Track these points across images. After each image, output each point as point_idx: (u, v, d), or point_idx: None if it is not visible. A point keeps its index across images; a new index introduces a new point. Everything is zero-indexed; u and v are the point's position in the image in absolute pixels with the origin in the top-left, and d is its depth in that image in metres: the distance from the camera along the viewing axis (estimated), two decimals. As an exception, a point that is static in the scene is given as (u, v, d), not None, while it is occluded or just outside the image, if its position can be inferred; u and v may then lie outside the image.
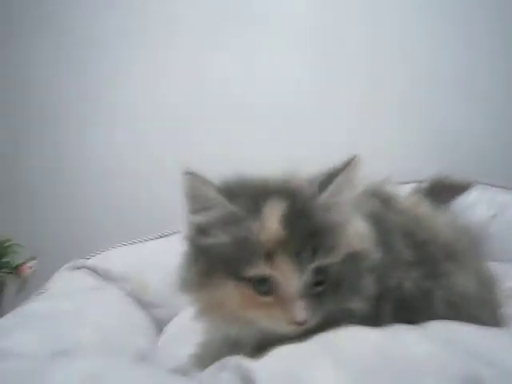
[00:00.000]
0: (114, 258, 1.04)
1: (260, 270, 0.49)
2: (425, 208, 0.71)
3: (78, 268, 0.98)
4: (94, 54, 1.51)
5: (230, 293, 0.51)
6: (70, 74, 1.52)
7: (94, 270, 0.98)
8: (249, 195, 0.53)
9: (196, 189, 0.52)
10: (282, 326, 0.50)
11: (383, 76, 1.48)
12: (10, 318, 0.68)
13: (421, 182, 1.12)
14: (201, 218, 0.53)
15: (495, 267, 1.01)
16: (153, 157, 1.42)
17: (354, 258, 0.54)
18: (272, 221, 0.50)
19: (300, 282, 0.50)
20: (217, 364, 0.50)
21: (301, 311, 0.49)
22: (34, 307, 0.73)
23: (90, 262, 1.00)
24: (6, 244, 1.26)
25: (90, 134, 1.52)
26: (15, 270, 1.26)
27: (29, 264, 1.26)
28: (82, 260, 1.00)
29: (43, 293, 0.85)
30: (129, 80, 1.51)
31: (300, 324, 0.49)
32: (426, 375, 0.42)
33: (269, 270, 0.49)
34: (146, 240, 1.12)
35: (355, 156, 0.53)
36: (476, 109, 1.46)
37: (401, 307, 0.56)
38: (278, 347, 0.49)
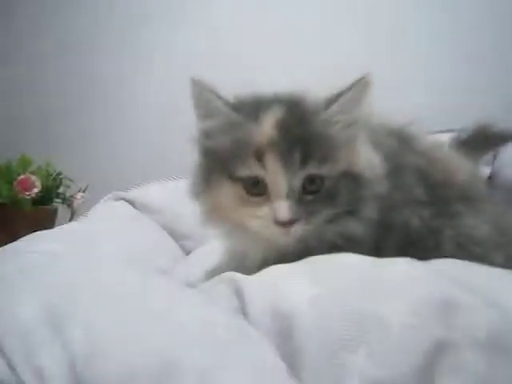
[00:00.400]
0: (151, 192, 1.12)
1: (250, 169, 0.52)
2: (445, 151, 0.70)
3: (117, 199, 1.05)
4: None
5: (225, 192, 0.55)
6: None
7: (131, 202, 1.06)
8: (253, 104, 0.56)
9: (202, 96, 0.55)
10: (269, 227, 0.52)
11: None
12: (49, 231, 0.76)
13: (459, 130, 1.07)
14: (206, 124, 0.57)
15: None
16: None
17: (354, 178, 0.55)
18: (267, 124, 0.53)
19: (287, 183, 0.52)
20: (216, 277, 0.55)
21: (285, 209, 0.51)
22: (71, 226, 0.81)
23: (129, 194, 1.08)
24: (60, 177, 1.38)
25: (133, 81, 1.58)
26: (67, 200, 1.38)
27: (79, 195, 1.37)
28: (121, 192, 1.08)
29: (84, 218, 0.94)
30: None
31: (285, 225, 0.51)
32: (395, 296, 0.44)
33: (258, 169, 0.52)
34: (181, 178, 1.17)
35: (366, 75, 0.54)
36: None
37: (407, 244, 0.57)
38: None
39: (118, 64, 1.64)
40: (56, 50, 1.68)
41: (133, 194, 1.09)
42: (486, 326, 0.42)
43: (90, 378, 0.35)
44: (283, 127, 0.53)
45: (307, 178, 0.53)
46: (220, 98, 0.55)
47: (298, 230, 0.52)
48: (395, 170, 0.59)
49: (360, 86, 0.54)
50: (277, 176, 0.52)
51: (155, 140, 1.56)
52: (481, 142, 1.05)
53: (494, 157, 1.23)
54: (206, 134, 0.57)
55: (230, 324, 0.43)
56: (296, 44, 1.49)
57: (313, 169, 0.52)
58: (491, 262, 0.57)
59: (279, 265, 0.52)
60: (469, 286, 0.47)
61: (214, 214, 0.59)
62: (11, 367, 0.36)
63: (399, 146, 0.64)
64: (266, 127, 0.53)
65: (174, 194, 1.12)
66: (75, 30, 1.66)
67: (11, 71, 1.67)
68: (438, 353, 0.39)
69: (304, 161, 0.52)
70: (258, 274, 0.51)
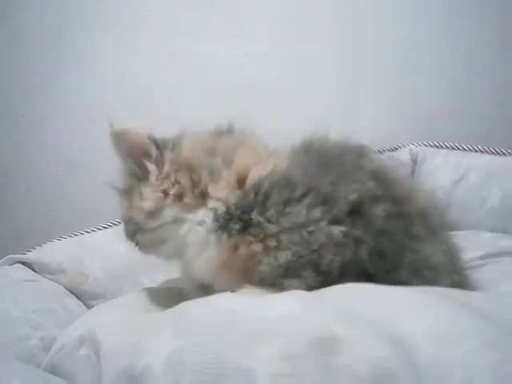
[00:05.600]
0: (53, 251, 1.01)
1: None
2: (400, 172, 0.70)
3: (12, 264, 0.94)
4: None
5: None
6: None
7: (29, 264, 0.95)
8: None
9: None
10: None
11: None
12: None
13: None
14: None
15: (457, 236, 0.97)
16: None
17: None
18: None
19: None
20: (77, 337, 0.51)
21: None
22: None
23: (25, 256, 0.97)
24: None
25: (36, 126, 1.48)
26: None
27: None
28: (17, 255, 0.97)
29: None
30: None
31: None
32: (267, 341, 0.37)
33: None
34: (87, 232, 1.08)
35: None
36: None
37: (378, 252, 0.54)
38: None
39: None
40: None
41: (31, 255, 0.98)
42: (370, 361, 0.36)
43: None
44: None
45: None
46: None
47: None
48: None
49: None
50: None
51: (61, 197, 1.44)
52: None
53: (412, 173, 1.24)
54: None
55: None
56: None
57: None
58: (439, 285, 0.56)
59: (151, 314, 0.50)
60: (359, 317, 0.42)
61: None
62: None
63: (356, 158, 0.61)
64: None
65: (81, 249, 1.03)
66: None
67: None
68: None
69: None
70: (116, 329, 0.48)
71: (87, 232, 1.08)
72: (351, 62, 1.41)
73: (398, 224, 0.56)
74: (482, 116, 1.31)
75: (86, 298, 0.96)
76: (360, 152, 0.63)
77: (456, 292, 0.50)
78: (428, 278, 0.56)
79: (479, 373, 0.35)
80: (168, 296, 0.67)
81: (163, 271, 0.86)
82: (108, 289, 0.97)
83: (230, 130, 0.66)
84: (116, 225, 1.11)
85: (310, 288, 0.52)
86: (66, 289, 0.95)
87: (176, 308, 0.46)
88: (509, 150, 1.07)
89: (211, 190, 0.58)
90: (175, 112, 1.35)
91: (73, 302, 0.92)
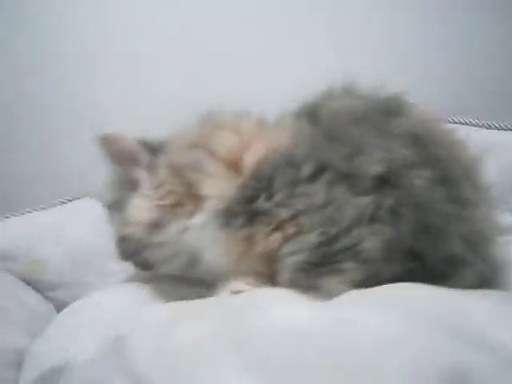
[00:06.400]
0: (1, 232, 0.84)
1: None
2: (440, 125, 0.57)
3: None
4: None
5: None
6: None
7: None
8: None
9: None
10: None
11: None
12: None
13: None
14: None
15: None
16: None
17: None
18: None
19: None
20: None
21: None
22: None
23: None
24: None
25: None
26: None
27: None
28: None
29: None
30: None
31: None
32: (386, 371, 0.27)
33: None
34: (43, 208, 0.92)
35: None
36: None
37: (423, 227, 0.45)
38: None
39: None
40: None
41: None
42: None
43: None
44: None
45: None
46: None
47: None
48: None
49: None
50: None
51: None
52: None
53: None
54: None
55: None
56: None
57: None
58: (492, 263, 0.49)
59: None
60: (475, 337, 0.31)
61: None
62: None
63: (383, 119, 0.52)
64: None
65: (35, 230, 0.87)
66: None
67: None
68: None
69: None
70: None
71: (41, 209, 0.92)
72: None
73: (443, 190, 0.47)
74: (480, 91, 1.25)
75: (43, 289, 0.81)
76: (390, 109, 0.53)
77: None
78: (481, 251, 0.48)
79: None
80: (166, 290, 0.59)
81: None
82: (69, 277, 0.82)
83: (209, 116, 0.59)
84: (71, 201, 0.97)
85: (354, 286, 0.43)
86: (21, 279, 0.79)
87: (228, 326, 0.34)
88: (505, 125, 1.01)
89: (203, 189, 0.52)
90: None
91: (30, 296, 0.77)
